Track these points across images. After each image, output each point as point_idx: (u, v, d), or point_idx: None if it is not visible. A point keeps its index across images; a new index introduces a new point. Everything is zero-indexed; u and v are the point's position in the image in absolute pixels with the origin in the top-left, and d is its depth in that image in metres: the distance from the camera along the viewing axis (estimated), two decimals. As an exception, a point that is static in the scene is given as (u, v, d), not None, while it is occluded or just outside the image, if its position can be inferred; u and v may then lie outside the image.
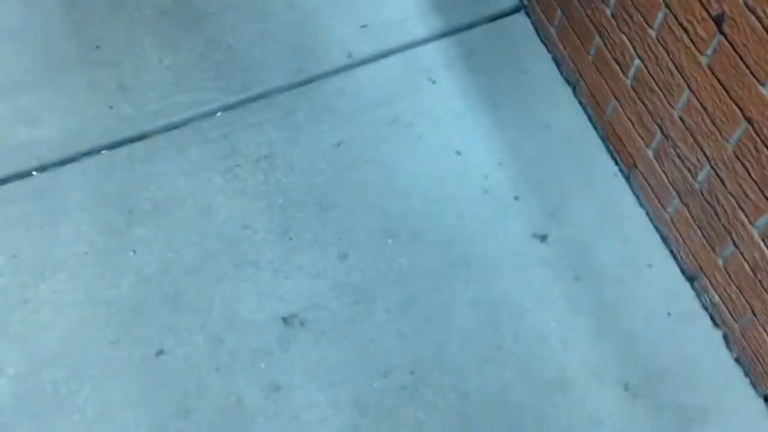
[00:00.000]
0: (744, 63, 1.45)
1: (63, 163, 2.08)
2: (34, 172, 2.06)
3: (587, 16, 1.97)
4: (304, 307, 1.90)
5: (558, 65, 2.22)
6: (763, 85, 1.42)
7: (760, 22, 1.37)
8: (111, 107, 2.17)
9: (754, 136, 1.49)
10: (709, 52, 1.55)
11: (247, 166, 2.10)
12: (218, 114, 2.18)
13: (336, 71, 2.25)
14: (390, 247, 1.98)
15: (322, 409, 1.78)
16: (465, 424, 1.76)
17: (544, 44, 2.26)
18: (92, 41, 2.28)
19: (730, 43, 1.47)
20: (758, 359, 1.72)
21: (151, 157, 2.10)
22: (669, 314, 1.88)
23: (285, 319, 1.89)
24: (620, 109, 1.96)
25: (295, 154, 2.12)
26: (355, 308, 1.90)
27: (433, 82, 2.24)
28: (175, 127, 2.15)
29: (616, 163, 2.07)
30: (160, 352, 1.84)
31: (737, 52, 1.46)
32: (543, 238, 1.98)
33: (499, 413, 1.77)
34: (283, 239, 1.99)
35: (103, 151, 2.10)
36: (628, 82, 1.88)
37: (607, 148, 2.09)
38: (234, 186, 2.07)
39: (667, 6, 1.64)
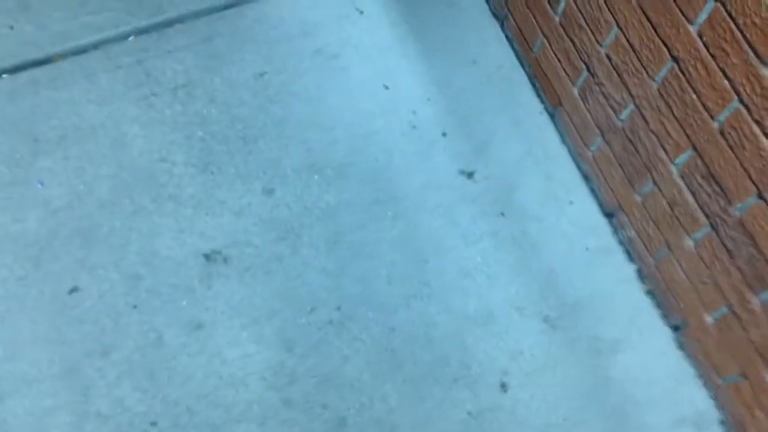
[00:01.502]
0: (673, 1, 1.47)
1: (-43, 86, 1.91)
2: (-77, 96, 1.88)
3: (518, -51, 1.95)
4: (227, 244, 1.84)
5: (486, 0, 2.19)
6: (691, 23, 1.44)
7: (693, -41, 1.38)
8: (11, 27, 1.99)
9: (680, 75, 1.52)
10: (639, -11, 1.56)
11: (163, 95, 1.99)
12: (130, 38, 2.04)
13: (258, -3, 2.14)
14: (316, 183, 1.93)
15: (246, 345, 1.75)
16: (390, 357, 1.77)
17: (474, -23, 2.22)
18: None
19: (661, -20, 1.48)
20: (670, 291, 1.81)
21: (58, 82, 1.95)
22: (587, 249, 1.94)
23: (207, 256, 1.83)
24: (547, 46, 1.96)
25: (215, 83, 2.02)
26: (281, 244, 1.86)
27: (360, 12, 2.17)
28: (83, 50, 2.00)
29: (542, 101, 2.08)
30: (73, 289, 1.75)
31: (668, -10, 1.48)
32: (469, 175, 1.98)
33: (424, 347, 1.79)
34: (204, 173, 1.91)
35: (3, 75, 1.93)
36: (557, 18, 1.88)
37: (534, 86, 2.09)
38: (149, 116, 1.96)
39: (600, -59, 1.63)
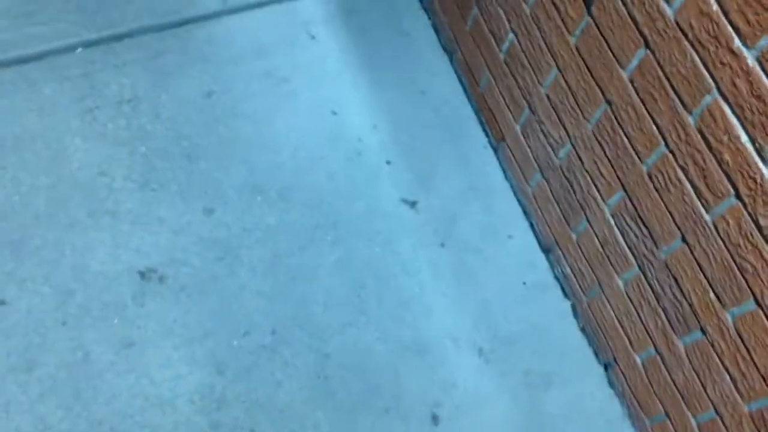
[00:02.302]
0: (608, 46, 1.51)
1: None
2: None
3: (469, -14, 1.99)
4: (163, 262, 1.82)
5: (437, 32, 2.23)
6: (623, 69, 1.48)
7: (626, 6, 1.43)
8: (-47, 32, 1.96)
9: (612, 117, 1.56)
10: (577, 32, 1.60)
11: (107, 109, 1.97)
12: (78, 50, 2.02)
13: (209, 16, 2.14)
14: (258, 204, 1.93)
15: (176, 367, 1.72)
16: (323, 384, 1.76)
17: (425, 10, 2.26)
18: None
19: (597, 25, 1.53)
20: (601, 330, 1.83)
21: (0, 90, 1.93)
22: (524, 283, 1.96)
23: (142, 273, 1.80)
24: (493, 82, 2.00)
25: (161, 100, 2.01)
26: (218, 265, 1.84)
27: (312, 37, 2.18)
28: (27, 60, 1.97)
29: (486, 135, 2.11)
30: (0, 302, 1.71)
31: (602, 35, 1.52)
32: (412, 204, 2.00)
33: (358, 375, 1.79)
34: (145, 189, 1.89)
35: (-58, 80, 1.90)
36: (502, 56, 1.92)
37: (479, 120, 2.13)
38: (92, 129, 1.94)
39: (543, -16, 1.68)
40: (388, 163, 2.04)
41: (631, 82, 1.47)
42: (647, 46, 1.40)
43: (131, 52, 2.05)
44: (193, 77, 2.05)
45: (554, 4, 1.64)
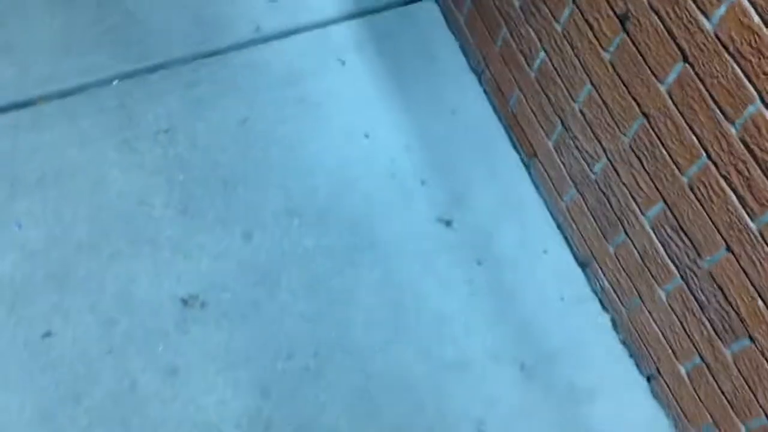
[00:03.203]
0: (644, 61, 1.53)
1: (-63, 126, 1.90)
2: None
3: (496, 6, 2.02)
4: (204, 288, 1.84)
5: (465, 54, 2.26)
6: (661, 83, 1.50)
7: (662, 22, 1.45)
8: (-6, 69, 2.01)
9: (650, 130, 1.58)
10: (611, 48, 1.62)
11: (145, 140, 2.00)
12: (114, 82, 2.06)
13: (243, 45, 2.18)
14: (295, 228, 1.95)
15: (221, 392, 1.74)
16: (368, 404, 1.77)
17: (452, 32, 2.29)
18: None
19: (632, 41, 1.55)
20: (643, 341, 1.83)
21: (39, 124, 1.96)
22: (562, 299, 1.96)
23: (184, 300, 1.82)
24: (524, 100, 2.02)
25: (197, 129, 2.04)
26: (259, 289, 1.86)
27: (343, 63, 2.22)
28: (66, 94, 2.01)
29: (518, 152, 2.13)
30: (46, 334, 1.73)
31: (639, 50, 1.54)
32: (447, 223, 2.01)
33: (401, 394, 1.79)
34: (184, 217, 1.92)
35: (-16, 116, 1.94)
36: (533, 74, 1.94)
37: (510, 137, 2.15)
38: (130, 159, 1.97)
39: (574, 2, 1.70)
40: (422, 183, 2.06)
41: (669, 95, 1.49)
42: (685, 59, 1.42)
43: (166, 83, 2.08)
44: (227, 105, 2.08)
45: (587, 22, 1.67)
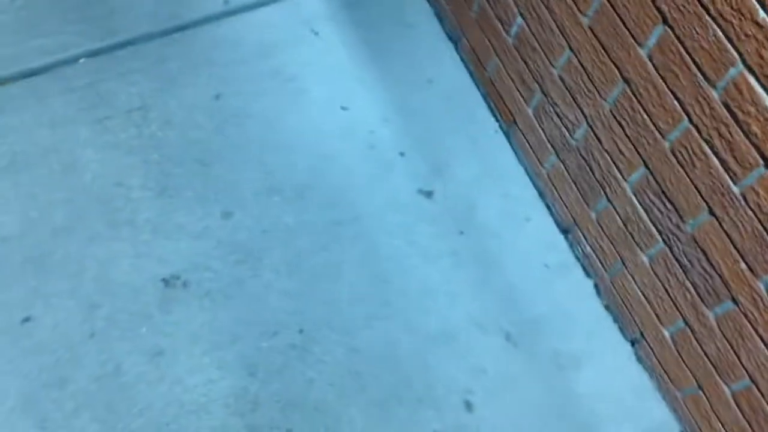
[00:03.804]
0: (624, 24, 1.52)
1: None
2: None
3: (471, -28, 1.99)
4: (186, 268, 1.81)
5: (441, 21, 2.22)
6: (641, 46, 1.49)
7: (642, -15, 1.43)
8: (-45, 50, 1.94)
9: (631, 96, 1.57)
10: (590, 12, 1.60)
11: (117, 118, 1.95)
12: (82, 60, 2.00)
13: (212, 18, 2.13)
14: (276, 205, 1.92)
15: (208, 372, 1.72)
16: (355, 379, 1.77)
17: (427, 0, 2.25)
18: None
19: (611, 4, 1.53)
20: (626, 306, 1.85)
21: (7, 106, 1.90)
22: (545, 266, 1.97)
23: (166, 281, 1.79)
24: (501, 67, 2.00)
25: (170, 106, 2.00)
26: (241, 268, 1.84)
27: (316, 33, 2.17)
28: (33, 73, 1.95)
29: (497, 120, 2.12)
30: (26, 319, 1.70)
31: (618, 14, 1.52)
32: (428, 194, 2.00)
33: (388, 367, 1.79)
34: (162, 197, 1.88)
35: (-52, 99, 1.88)
36: (510, 40, 1.92)
37: (488, 105, 2.13)
38: (103, 139, 1.92)
39: (551, -34, 1.68)
40: (401, 154, 2.04)
41: (650, 59, 1.47)
42: (665, 22, 1.41)
43: (136, 60, 2.03)
44: (199, 81, 2.04)
45: (565, -15, 1.65)
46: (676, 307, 1.67)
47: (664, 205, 1.58)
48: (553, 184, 1.97)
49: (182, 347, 1.74)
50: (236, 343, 1.76)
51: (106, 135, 1.93)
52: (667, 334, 1.74)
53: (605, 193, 1.77)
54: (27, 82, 1.94)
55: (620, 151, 1.67)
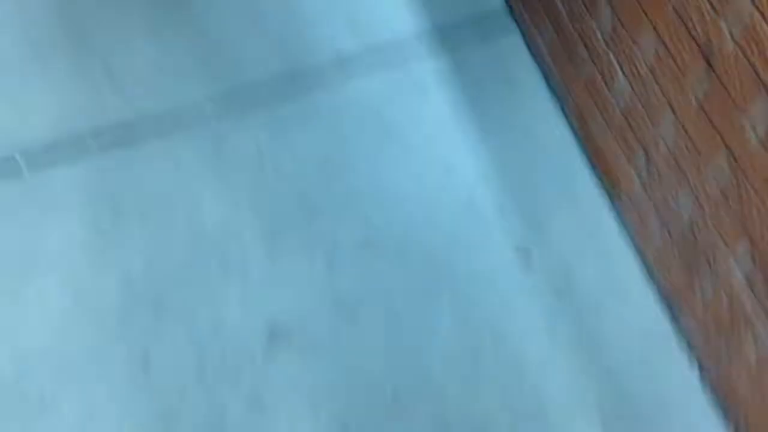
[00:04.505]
0: (728, 95, 1.47)
1: (47, 150, 2.07)
2: (17, 156, 2.06)
3: (576, 31, 1.99)
4: (288, 319, 1.90)
5: (546, 78, 2.23)
6: (746, 118, 1.44)
7: (748, 60, 1.39)
8: (97, 95, 2.16)
9: (737, 169, 1.51)
10: (695, 81, 1.57)
11: (236, 168, 2.11)
12: (206, 109, 2.18)
13: (328, 76, 2.25)
14: (375, 259, 1.99)
15: (304, 424, 1.78)
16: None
17: (534, 60, 2.27)
18: (81, 27, 2.26)
19: (716, 74, 1.49)
20: (729, 393, 1.75)
21: (140, 155, 2.10)
22: (646, 345, 1.89)
23: (269, 330, 1.89)
24: (605, 128, 1.98)
25: (284, 158, 2.13)
26: (339, 322, 1.90)
27: (423, 90, 2.25)
28: (161, 120, 2.15)
29: (601, 182, 2.09)
30: (144, 358, 1.85)
31: (722, 84, 1.48)
32: (526, 255, 2.00)
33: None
34: (271, 246, 2.00)
35: (87, 140, 2.10)
36: (615, 102, 1.90)
37: (591, 166, 2.11)
38: (222, 188, 2.08)
39: (655, 31, 1.65)
40: (501, 212, 2.06)
41: (754, 130, 1.42)
42: (770, 97, 1.36)
43: (258, 113, 2.18)
44: (313, 135, 2.16)
45: (669, 52, 1.62)
46: (784, 391, 1.57)
47: (771, 282, 1.51)
48: (656, 252, 1.91)
49: (282, 398, 1.80)
50: (331, 398, 1.81)
51: (225, 183, 2.08)
52: (775, 418, 1.64)
53: (711, 267, 1.70)
54: (156, 129, 2.13)
55: (727, 227, 1.60)
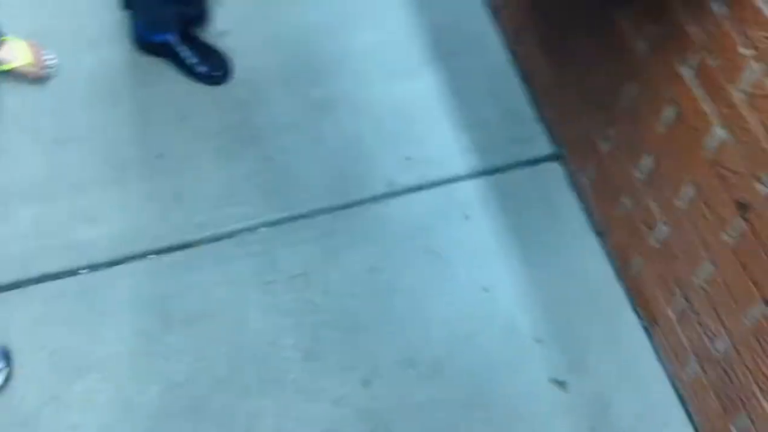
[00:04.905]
0: (764, 250, 1.52)
1: (111, 264, 2.19)
2: (82, 270, 2.18)
3: (618, 175, 2.08)
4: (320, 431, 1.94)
5: (588, 215, 2.30)
6: (781, 274, 1.48)
7: (780, 216, 1.45)
8: (164, 214, 2.30)
9: (772, 319, 1.54)
10: (732, 232, 1.62)
11: (282, 283, 2.19)
12: (261, 229, 2.30)
13: (376, 198, 2.37)
14: (412, 379, 2.03)
15: None
16: None
17: (576, 193, 2.35)
18: (156, 150, 2.43)
19: (752, 228, 1.55)
20: None
21: (194, 265, 2.21)
22: (683, 478, 1.88)
23: (302, 442, 1.93)
24: (644, 267, 2.03)
25: (329, 275, 2.21)
26: (373, 438, 1.94)
27: (467, 217, 2.34)
28: (219, 238, 2.27)
29: (639, 317, 2.11)
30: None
31: (759, 239, 1.54)
32: (562, 385, 2.02)
33: None
34: (309, 360, 2.06)
35: (150, 256, 2.22)
36: (654, 243, 1.96)
37: (631, 302, 2.14)
38: (267, 301, 2.16)
39: (694, 182, 1.73)
40: (538, 341, 2.09)
41: (789, 288, 1.46)
42: (804, 255, 1.40)
43: (306, 231, 2.29)
44: (358, 254, 2.25)
45: (707, 203, 1.69)
46: None
47: (808, 438, 1.50)
48: (694, 391, 1.91)
49: None
50: None
51: (270, 297, 2.16)
52: None
53: (746, 410, 1.70)
54: (212, 246, 2.25)
55: (761, 370, 1.61)
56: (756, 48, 1.46)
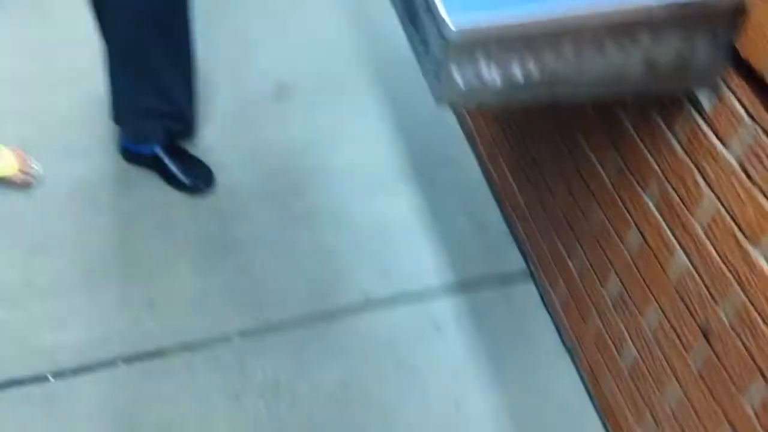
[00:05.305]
0: (728, 375, 1.55)
1: (79, 371, 2.16)
2: (50, 377, 2.14)
3: (588, 295, 2.12)
4: None
5: (560, 334, 2.34)
6: (742, 394, 1.51)
7: (743, 343, 1.49)
8: (136, 321, 2.29)
9: (739, 445, 1.55)
10: (697, 357, 1.66)
11: (251, 395, 2.17)
12: (234, 339, 2.29)
13: (351, 311, 2.38)
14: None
15: None
16: None
17: (548, 312, 2.39)
18: (134, 258, 2.46)
19: (716, 354, 1.59)
20: None
21: (164, 375, 2.19)
22: None
23: None
24: (615, 387, 2.04)
25: (300, 388, 2.19)
26: None
27: (439, 331, 2.35)
28: (191, 347, 2.25)
29: (610, 437, 2.11)
30: None
31: (722, 364, 1.57)
32: (533, 508, 1.98)
33: None
34: (276, 476, 2.01)
35: (119, 363, 2.19)
36: (623, 364, 1.98)
37: (602, 421, 2.14)
38: (235, 414, 2.12)
39: (659, 305, 1.78)
40: (510, 461, 2.07)
41: (756, 415, 1.48)
42: (766, 381, 1.44)
43: (279, 343, 2.29)
44: (331, 367, 2.24)
45: (672, 326, 1.73)
46: None
47: None
48: None
49: None
50: None
51: (238, 410, 2.13)
52: None
53: None
54: (183, 354, 2.23)
55: (732, 499, 1.61)
56: (711, 181, 1.55)
